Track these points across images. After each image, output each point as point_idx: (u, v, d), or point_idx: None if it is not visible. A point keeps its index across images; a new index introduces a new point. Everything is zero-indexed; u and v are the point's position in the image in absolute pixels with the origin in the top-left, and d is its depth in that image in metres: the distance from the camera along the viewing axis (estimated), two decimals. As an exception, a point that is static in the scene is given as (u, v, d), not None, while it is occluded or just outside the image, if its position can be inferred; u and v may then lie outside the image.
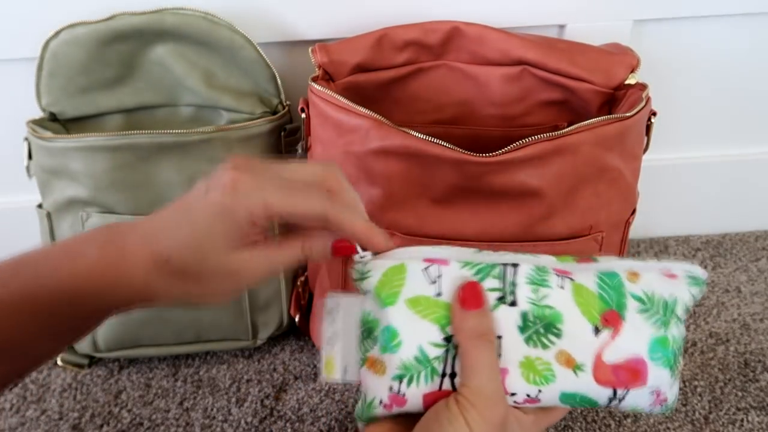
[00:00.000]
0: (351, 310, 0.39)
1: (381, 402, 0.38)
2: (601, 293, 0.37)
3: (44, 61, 0.64)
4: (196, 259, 0.35)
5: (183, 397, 0.69)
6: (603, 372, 0.37)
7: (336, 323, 0.39)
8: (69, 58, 0.64)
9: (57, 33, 0.63)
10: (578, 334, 0.37)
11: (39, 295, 0.35)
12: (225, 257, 0.36)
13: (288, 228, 0.39)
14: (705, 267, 0.83)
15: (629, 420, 0.65)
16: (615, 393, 0.37)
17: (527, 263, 0.38)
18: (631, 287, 0.37)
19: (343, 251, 0.38)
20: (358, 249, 0.38)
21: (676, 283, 0.38)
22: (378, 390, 0.38)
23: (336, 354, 0.39)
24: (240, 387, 0.70)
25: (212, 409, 0.68)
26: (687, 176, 0.84)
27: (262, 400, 0.69)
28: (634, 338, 0.37)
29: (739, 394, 0.67)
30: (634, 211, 0.62)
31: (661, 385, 0.37)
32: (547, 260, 0.39)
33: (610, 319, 0.37)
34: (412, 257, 0.39)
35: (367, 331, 0.39)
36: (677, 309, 0.37)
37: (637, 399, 0.38)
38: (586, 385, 0.37)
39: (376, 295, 0.38)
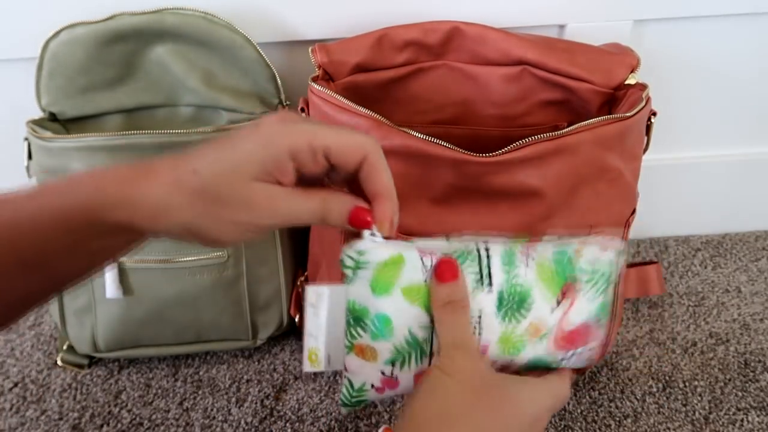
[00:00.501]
0: (337, 300, 0.40)
1: (372, 386, 0.41)
2: (557, 269, 0.41)
3: (44, 61, 0.64)
4: (223, 177, 0.35)
5: (183, 397, 0.69)
6: (562, 338, 0.42)
7: (320, 314, 0.40)
8: (69, 58, 0.64)
9: (57, 33, 0.63)
10: (543, 307, 0.41)
11: (65, 209, 0.36)
12: (250, 185, 0.35)
13: (314, 184, 0.38)
14: (705, 267, 0.83)
15: (629, 420, 0.65)
16: (566, 354, 0.42)
17: (496, 245, 0.42)
18: (579, 262, 0.41)
19: (360, 221, 0.38)
20: (373, 228, 0.38)
21: (609, 255, 0.42)
22: (368, 375, 0.41)
23: (321, 344, 0.40)
24: (240, 387, 0.70)
25: (212, 409, 0.68)
26: (687, 176, 0.84)
27: (262, 400, 0.69)
28: (585, 307, 0.41)
29: (739, 394, 0.67)
30: (634, 211, 0.62)
31: (597, 342, 0.42)
32: (508, 242, 0.43)
33: (567, 292, 0.41)
34: (408, 247, 0.40)
35: (356, 319, 0.40)
36: (611, 277, 0.42)
37: (579, 357, 0.43)
38: (546, 351, 0.42)
39: (372, 284, 0.39)
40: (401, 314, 0.39)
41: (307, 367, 0.41)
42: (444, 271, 0.39)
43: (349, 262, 0.39)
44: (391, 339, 0.40)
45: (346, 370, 0.41)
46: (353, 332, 0.40)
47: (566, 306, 0.41)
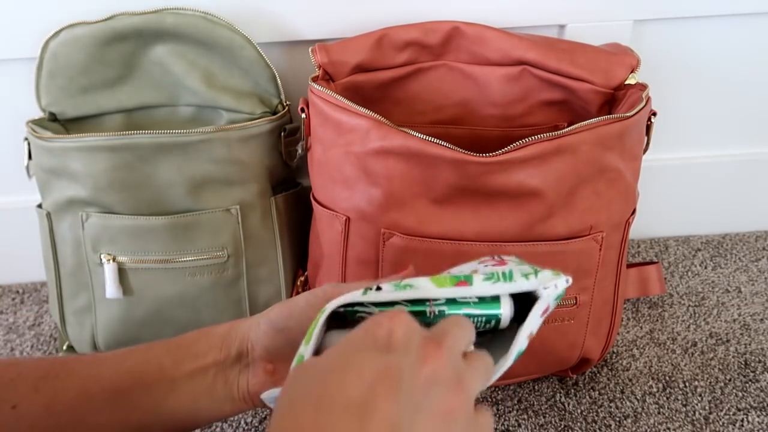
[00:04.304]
0: None
1: None
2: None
3: (44, 61, 0.64)
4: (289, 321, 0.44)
5: (183, 398, 0.69)
6: None
7: None
8: (69, 58, 0.64)
9: (57, 33, 0.63)
10: None
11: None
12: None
13: None
14: (705, 267, 0.83)
15: (629, 420, 0.65)
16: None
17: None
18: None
19: None
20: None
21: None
22: None
23: None
24: (240, 387, 0.70)
25: (212, 410, 0.68)
26: (687, 176, 0.84)
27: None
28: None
29: (740, 394, 0.67)
30: (634, 211, 0.62)
31: None
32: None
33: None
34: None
35: None
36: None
37: None
38: None
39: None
40: None
41: None
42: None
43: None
44: None
45: None
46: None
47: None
